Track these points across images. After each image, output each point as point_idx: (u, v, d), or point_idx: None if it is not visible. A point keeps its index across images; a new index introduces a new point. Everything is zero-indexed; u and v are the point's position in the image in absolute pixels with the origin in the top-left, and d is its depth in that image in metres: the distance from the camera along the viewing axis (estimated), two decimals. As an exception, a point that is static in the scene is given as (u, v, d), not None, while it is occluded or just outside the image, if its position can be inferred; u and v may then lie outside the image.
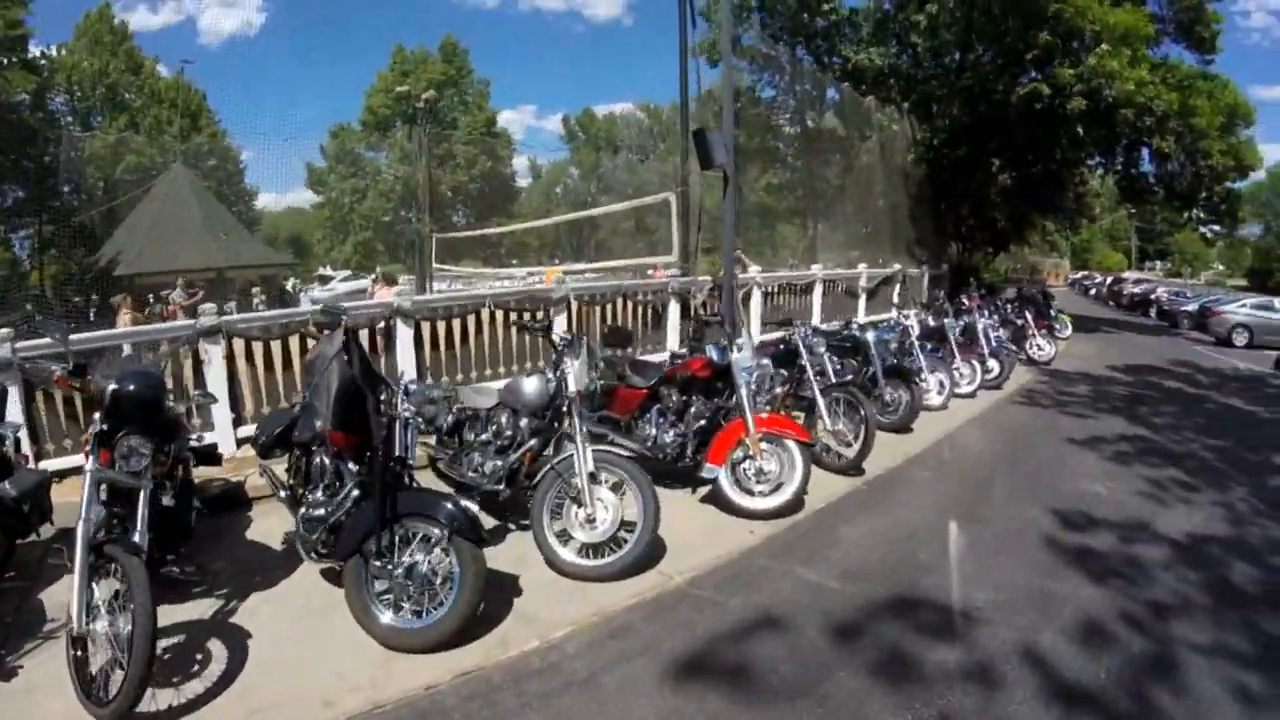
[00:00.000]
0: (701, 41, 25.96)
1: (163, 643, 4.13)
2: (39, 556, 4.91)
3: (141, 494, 4.30)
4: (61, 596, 4.40)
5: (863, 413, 8.03)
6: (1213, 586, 5.61)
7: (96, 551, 3.80)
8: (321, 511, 4.77)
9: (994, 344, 13.73)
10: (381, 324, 8.82)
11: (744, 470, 6.79)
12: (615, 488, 5.49)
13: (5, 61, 29.54)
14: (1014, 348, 15.37)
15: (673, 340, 11.90)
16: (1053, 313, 19.91)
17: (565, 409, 5.87)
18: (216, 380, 7.62)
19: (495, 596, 4.80)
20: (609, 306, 11.51)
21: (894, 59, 25.32)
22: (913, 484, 8.08)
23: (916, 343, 11.54)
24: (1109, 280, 53.83)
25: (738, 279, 13.74)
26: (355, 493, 4.75)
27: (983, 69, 23.18)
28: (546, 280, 18.58)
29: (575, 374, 5.77)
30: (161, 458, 4.70)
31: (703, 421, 7.25)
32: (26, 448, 6.44)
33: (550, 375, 6.20)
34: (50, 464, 6.72)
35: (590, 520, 5.42)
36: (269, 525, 6.35)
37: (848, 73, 24.83)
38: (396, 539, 4.41)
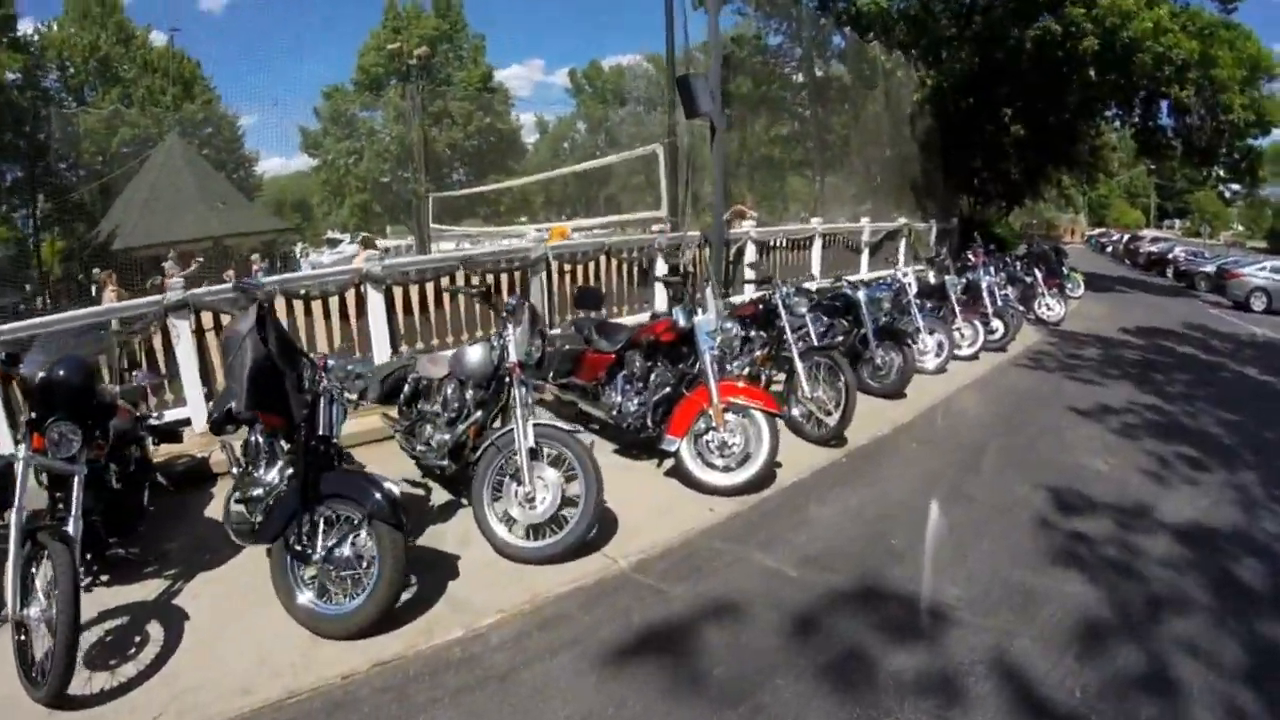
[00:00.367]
0: None
1: (105, 625, 4.29)
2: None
3: (75, 480, 4.19)
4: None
5: (843, 379, 7.42)
6: (1215, 586, 5.03)
7: (31, 538, 3.78)
8: (257, 491, 4.66)
9: (999, 303, 13.11)
10: (352, 291, 8.39)
11: (707, 443, 6.32)
12: (557, 463, 5.15)
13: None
14: (1021, 307, 14.79)
15: (660, 300, 11.30)
16: (1065, 271, 19.26)
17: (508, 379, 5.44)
18: (187, 355, 7.38)
19: (432, 578, 4.70)
20: (591, 266, 10.98)
21: (903, 2, 24.52)
22: (897, 456, 7.49)
23: (914, 301, 10.92)
24: (1126, 238, 52.72)
25: (731, 233, 13.26)
26: (286, 473, 4.63)
27: (994, 12, 22.34)
28: (552, 237, 18.10)
29: (516, 342, 5.38)
30: (99, 441, 4.65)
31: (667, 389, 6.78)
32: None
33: (495, 343, 5.74)
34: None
35: (530, 499, 5.06)
36: (228, 503, 6.05)
37: (854, 18, 23.95)
38: (321, 521, 4.27)
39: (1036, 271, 16.64)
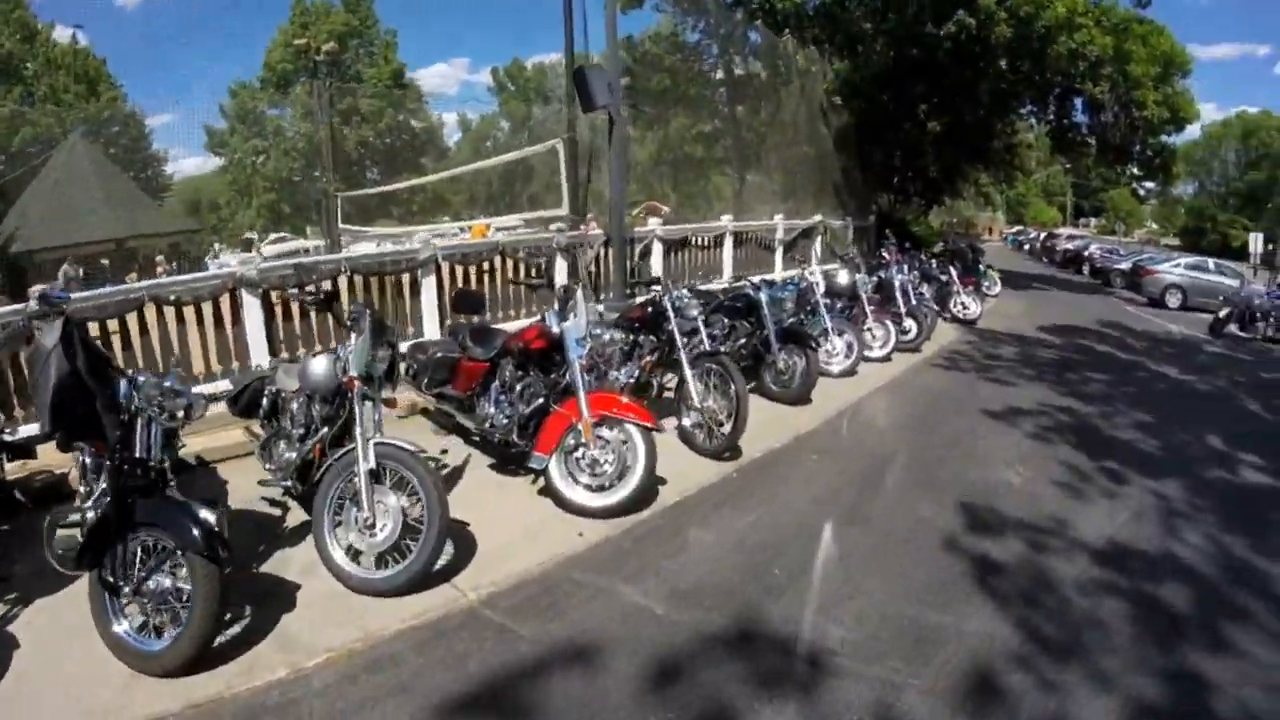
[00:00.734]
0: None
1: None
2: None
3: None
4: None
5: (734, 387, 6.75)
6: (1135, 616, 4.47)
7: None
8: (74, 516, 4.25)
9: (913, 302, 12.66)
10: (226, 296, 7.76)
11: (577, 460, 5.67)
12: (401, 486, 4.60)
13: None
14: (936, 306, 14.42)
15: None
16: (981, 268, 19.22)
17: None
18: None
19: (266, 611, 4.29)
20: (485, 267, 10.30)
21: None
22: (794, 470, 6.81)
23: (823, 301, 10.35)
24: (1043, 236, 53.58)
25: (636, 232, 12.62)
26: (106, 498, 4.16)
27: (909, 8, 22.02)
28: (474, 235, 17.24)
29: (356, 354, 4.84)
30: None
31: (539, 400, 6.15)
32: None
33: (340, 354, 5.10)
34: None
35: (370, 525, 4.54)
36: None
37: (769, 13, 23.57)
38: (139, 550, 3.92)
39: (952, 269, 16.30)
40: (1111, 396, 10.27)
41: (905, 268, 13.46)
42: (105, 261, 27.01)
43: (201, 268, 30.15)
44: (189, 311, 7.49)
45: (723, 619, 4.28)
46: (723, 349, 8.63)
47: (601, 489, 5.59)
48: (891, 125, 23.65)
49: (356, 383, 4.74)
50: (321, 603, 4.39)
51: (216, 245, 40.76)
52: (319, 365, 5.16)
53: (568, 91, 11.66)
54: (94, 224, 30.79)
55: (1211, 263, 26.56)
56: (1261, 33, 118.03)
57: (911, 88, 22.70)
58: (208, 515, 3.84)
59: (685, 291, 7.71)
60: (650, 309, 7.70)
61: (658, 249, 12.80)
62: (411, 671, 3.83)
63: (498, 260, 10.42)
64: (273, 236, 38.19)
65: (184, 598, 3.82)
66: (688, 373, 6.99)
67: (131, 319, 7.12)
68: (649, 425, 5.57)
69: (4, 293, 17.75)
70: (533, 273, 9.73)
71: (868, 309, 11.36)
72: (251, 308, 7.81)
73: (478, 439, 6.75)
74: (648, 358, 7.56)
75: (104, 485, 4.27)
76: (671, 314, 7.25)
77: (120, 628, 3.88)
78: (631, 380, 7.30)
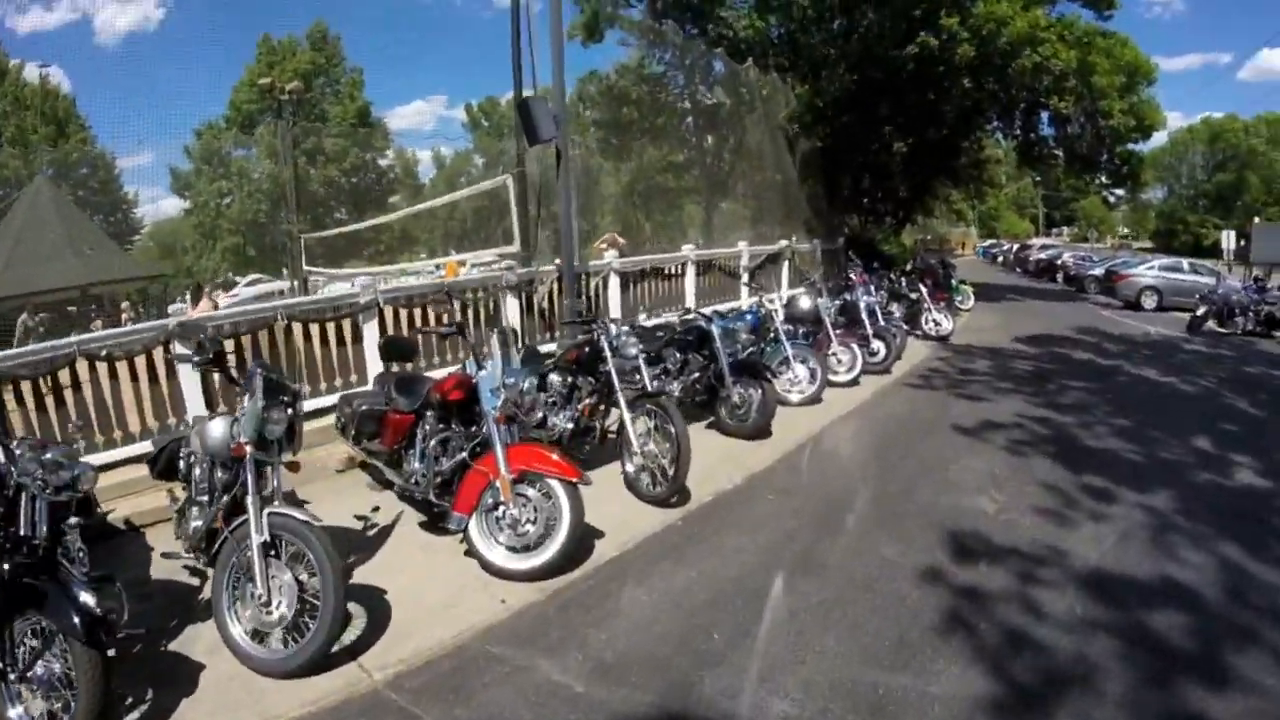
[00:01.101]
0: (575, 21, 24.76)
1: None
2: None
3: None
4: None
5: (674, 428, 6.19)
6: (1129, 656, 3.95)
7: None
8: None
9: (880, 322, 12.24)
10: (159, 349, 7.44)
11: (497, 520, 5.17)
12: (298, 559, 4.28)
13: None
14: (905, 325, 14.04)
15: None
16: (953, 283, 18.92)
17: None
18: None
19: (168, 693, 3.97)
20: (429, 309, 9.80)
21: (779, 26, 24.26)
22: (746, 513, 6.22)
23: (782, 329, 9.88)
24: (1015, 247, 53.82)
25: (591, 265, 12.19)
26: None
27: (870, 33, 21.90)
28: (447, 273, 16.84)
29: (247, 417, 4.53)
30: None
31: (463, 454, 5.60)
32: None
33: (239, 416, 4.73)
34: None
35: (265, 602, 4.20)
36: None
37: (733, 43, 23.50)
38: (29, 634, 3.66)
39: (922, 287, 15.85)
40: (1091, 404, 9.81)
41: (872, 288, 13.10)
42: (72, 309, 26.35)
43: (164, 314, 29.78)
44: (121, 367, 7.21)
45: (650, 696, 3.74)
46: (673, 386, 8.27)
47: (527, 549, 5.09)
48: (857, 147, 23.54)
49: (247, 448, 4.40)
50: (221, 686, 4.05)
51: (189, 291, 40.16)
52: (216, 428, 4.80)
53: (516, 126, 11.21)
54: (58, 270, 29.84)
55: (1186, 263, 26.46)
56: (1224, 40, 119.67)
57: (876, 109, 22.59)
58: (87, 598, 3.55)
59: (625, 328, 7.21)
60: (586, 349, 7.18)
61: (615, 282, 12.31)
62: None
63: (447, 301, 9.87)
64: (250, 278, 37.51)
65: (73, 684, 3.55)
66: (626, 416, 6.48)
67: (64, 375, 6.83)
68: (573, 480, 5.05)
69: None
70: (443, 319, 9.14)
71: (832, 333, 10.90)
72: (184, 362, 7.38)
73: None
74: (586, 400, 7.01)
75: None
76: (609, 353, 6.73)
77: (14, 712, 3.67)
78: (569, 426, 6.79)
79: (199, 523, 4.86)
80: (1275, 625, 4.25)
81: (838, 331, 11.09)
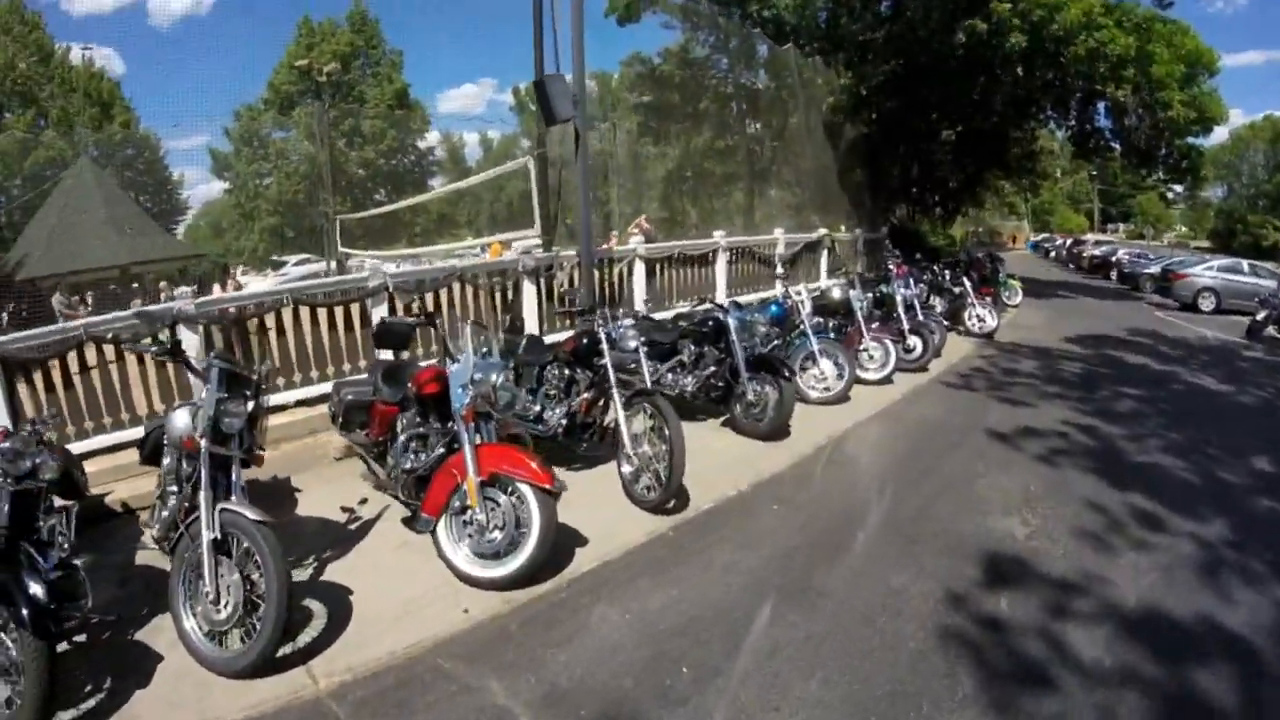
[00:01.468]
0: (614, 1, 24.29)
1: None
2: None
3: None
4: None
5: (668, 429, 5.64)
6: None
7: None
8: None
9: (919, 317, 11.62)
10: (166, 332, 7.13)
11: (464, 524, 4.82)
12: (248, 557, 4.13)
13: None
14: (946, 321, 13.43)
15: (532, 330, 9.63)
16: (1001, 278, 18.16)
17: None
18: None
19: (124, 684, 3.91)
20: (443, 295, 9.36)
21: (824, 9, 23.78)
22: (745, 525, 5.63)
23: (809, 322, 9.31)
24: (1069, 242, 52.33)
25: (615, 251, 11.72)
26: None
27: (915, 15, 21.24)
28: (490, 254, 16.65)
29: (202, 410, 4.40)
30: None
31: (441, 449, 5.18)
32: None
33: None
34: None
35: (215, 600, 4.09)
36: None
37: (777, 24, 23.01)
38: None
39: (967, 281, 15.11)
40: (1141, 414, 9.11)
41: (912, 280, 12.44)
42: (114, 288, 26.60)
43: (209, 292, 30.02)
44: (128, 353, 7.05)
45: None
46: (687, 380, 7.87)
47: (497, 556, 4.70)
48: (904, 136, 23.03)
49: (201, 442, 4.27)
50: (170, 682, 3.96)
51: (241, 268, 40.37)
52: (179, 419, 4.72)
53: (538, 107, 10.73)
54: (99, 250, 30.40)
55: (1245, 264, 25.29)
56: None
57: (923, 97, 21.98)
58: (37, 589, 3.59)
59: (628, 319, 6.72)
60: (584, 340, 6.68)
61: (640, 269, 11.81)
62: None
63: (456, 288, 9.49)
64: (298, 257, 37.93)
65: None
66: (620, 415, 6.00)
67: (72, 358, 6.82)
68: (547, 487, 4.57)
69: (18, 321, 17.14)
70: (414, 309, 8.60)
71: (864, 327, 10.28)
72: (191, 345, 7.13)
73: (395, 489, 6.00)
74: (584, 395, 6.50)
75: None
76: (606, 346, 6.22)
77: None
78: (564, 422, 6.31)
79: (167, 513, 4.73)
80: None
81: (873, 326, 10.50)
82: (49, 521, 4.12)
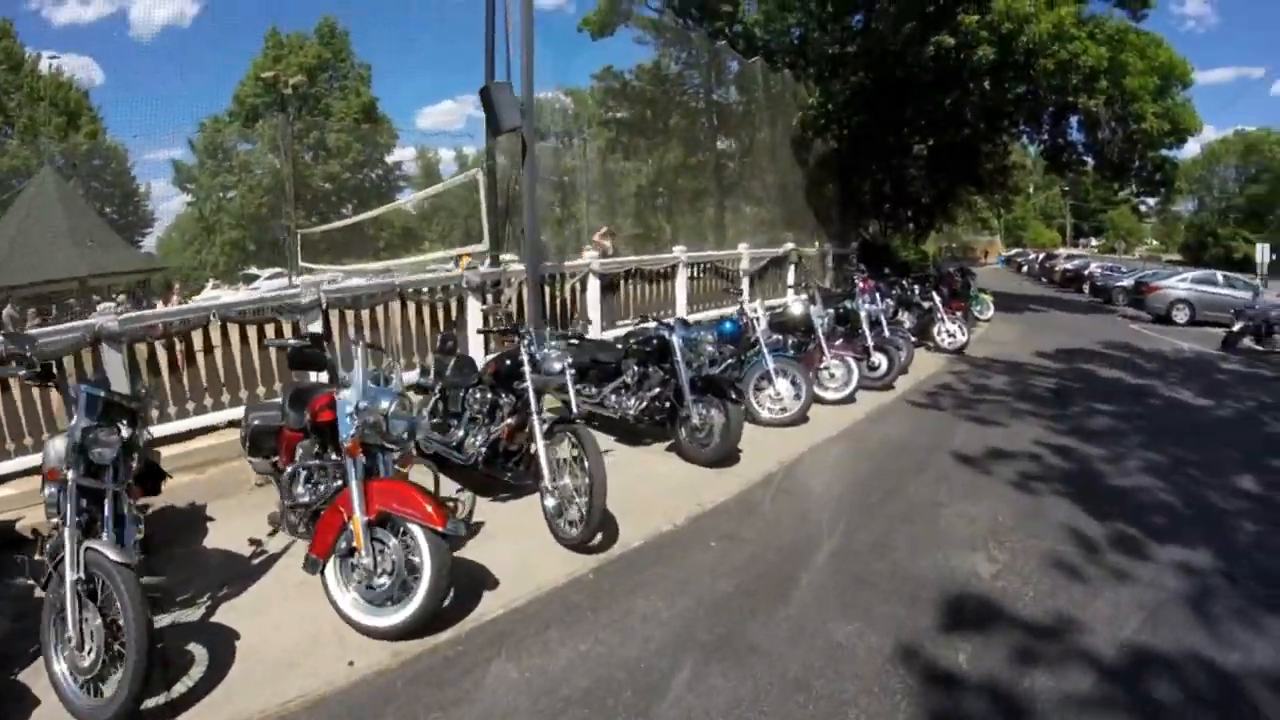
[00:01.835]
0: (588, 15, 24.20)
1: None
2: None
3: None
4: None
5: (586, 460, 5.04)
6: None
7: None
8: None
9: (883, 334, 11.13)
10: (88, 349, 6.94)
11: (351, 566, 4.33)
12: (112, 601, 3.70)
13: None
14: (914, 336, 13.07)
15: (474, 351, 9.07)
16: (972, 292, 17.77)
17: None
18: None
19: None
20: (379, 312, 8.94)
21: (795, 24, 23.84)
22: (676, 567, 4.99)
23: (765, 339, 8.78)
24: (1041, 257, 53.10)
25: (566, 265, 11.45)
26: None
27: (882, 29, 21.05)
28: (460, 266, 16.35)
29: (67, 439, 4.07)
30: None
31: (338, 483, 4.65)
32: None
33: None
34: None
35: (80, 645, 3.68)
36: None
37: (749, 41, 23.23)
38: None
39: (936, 295, 14.62)
40: (1119, 431, 8.62)
41: (878, 295, 11.97)
42: (71, 301, 26.47)
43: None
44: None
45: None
46: (630, 403, 7.37)
47: (387, 602, 4.18)
48: (875, 151, 22.88)
49: (68, 474, 3.92)
50: None
51: (212, 282, 39.73)
52: (54, 447, 4.34)
53: (487, 119, 10.25)
54: (58, 261, 30.08)
55: (1220, 275, 25.45)
56: (1258, 54, 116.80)
57: (892, 111, 21.83)
58: None
59: (553, 340, 6.16)
60: (506, 362, 6.11)
61: (594, 285, 11.33)
62: None
63: (395, 305, 9.05)
64: (270, 271, 37.25)
65: None
66: (540, 444, 5.41)
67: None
68: (438, 529, 4.01)
69: None
70: (288, 332, 7.92)
71: (825, 345, 9.76)
72: (113, 362, 6.97)
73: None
74: (507, 421, 5.90)
75: None
76: (528, 369, 5.63)
77: None
78: (483, 450, 5.77)
79: (49, 547, 4.30)
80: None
81: (835, 343, 10.03)
82: None
